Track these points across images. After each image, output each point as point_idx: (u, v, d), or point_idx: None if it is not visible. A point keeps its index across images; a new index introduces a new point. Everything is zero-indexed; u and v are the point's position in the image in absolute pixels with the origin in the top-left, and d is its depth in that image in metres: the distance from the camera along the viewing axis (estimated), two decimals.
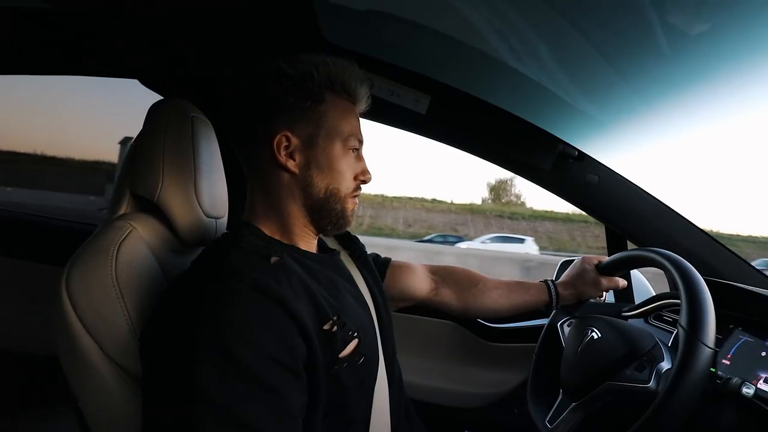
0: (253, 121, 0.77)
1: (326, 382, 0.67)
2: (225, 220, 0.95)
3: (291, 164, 0.76)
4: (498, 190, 36.17)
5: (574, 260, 1.20)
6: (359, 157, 0.83)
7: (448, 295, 1.13)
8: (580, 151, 1.30)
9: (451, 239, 19.05)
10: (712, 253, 1.26)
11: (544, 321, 1.15)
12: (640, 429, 0.74)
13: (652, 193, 1.29)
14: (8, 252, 1.53)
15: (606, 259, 1.11)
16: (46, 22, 1.28)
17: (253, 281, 0.62)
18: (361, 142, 0.82)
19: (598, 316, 1.01)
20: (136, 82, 1.40)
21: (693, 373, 0.74)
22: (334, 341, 0.68)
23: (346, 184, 0.79)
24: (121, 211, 0.81)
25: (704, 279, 0.85)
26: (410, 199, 24.46)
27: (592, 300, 1.14)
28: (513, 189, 36.51)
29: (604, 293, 1.13)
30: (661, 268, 0.94)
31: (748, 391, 0.79)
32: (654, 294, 1.16)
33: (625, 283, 1.12)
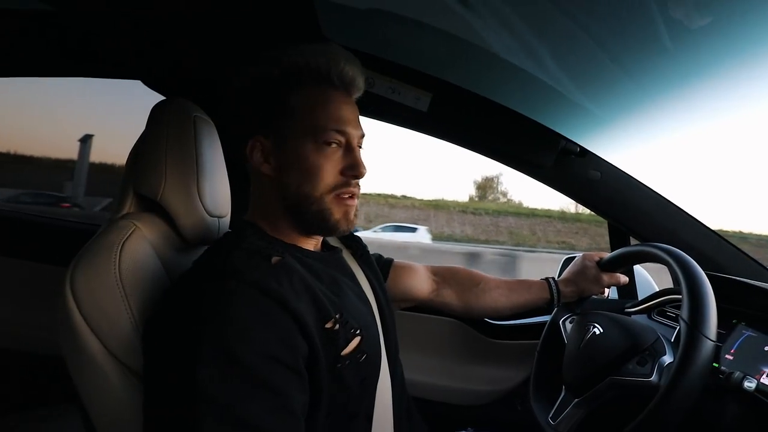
0: (234, 127, 0.78)
1: (329, 380, 0.67)
2: (228, 219, 0.95)
3: (266, 168, 0.75)
4: (484, 187, 36.16)
5: (575, 257, 1.20)
6: (348, 150, 0.76)
7: (449, 296, 1.13)
8: (582, 148, 1.30)
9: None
10: (715, 248, 1.26)
11: (547, 318, 1.15)
12: (642, 422, 0.74)
13: (654, 189, 1.29)
14: (11, 252, 1.54)
15: (607, 255, 1.11)
16: (48, 24, 1.29)
17: (254, 281, 0.63)
18: (344, 132, 0.75)
19: (600, 312, 1.01)
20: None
21: (695, 366, 0.74)
22: (336, 339, 0.68)
23: (324, 183, 0.74)
24: (125, 211, 0.82)
25: (707, 274, 0.85)
26: (378, 195, 24.54)
27: (594, 296, 1.14)
28: (499, 186, 36.59)
29: (606, 290, 1.13)
30: (662, 263, 0.94)
31: (749, 385, 0.79)
32: (657, 289, 1.16)
33: (626, 279, 1.12)
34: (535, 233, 22.98)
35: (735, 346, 0.91)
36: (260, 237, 0.74)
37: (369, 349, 0.74)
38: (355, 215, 0.79)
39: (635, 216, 1.31)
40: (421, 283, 1.11)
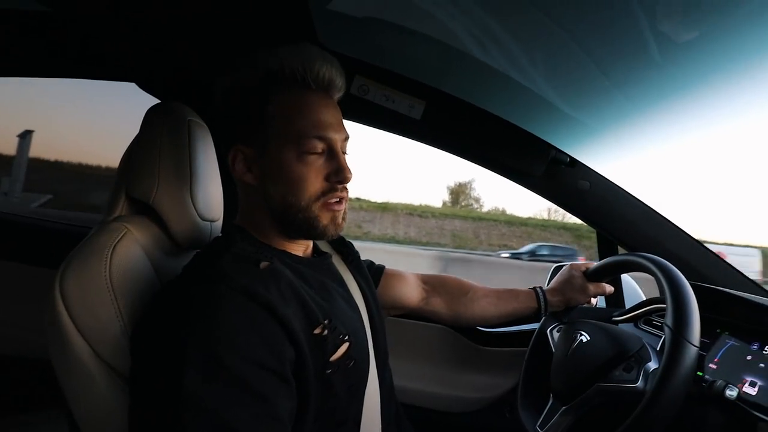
0: (221, 137, 0.78)
1: (316, 387, 0.67)
2: (220, 223, 0.95)
3: (248, 177, 0.75)
4: (457, 193, 36.41)
5: (564, 266, 1.21)
6: (331, 155, 0.74)
7: (438, 304, 1.14)
8: (571, 158, 1.32)
9: None
10: (701, 258, 1.28)
11: (536, 325, 1.16)
12: (629, 427, 0.75)
13: (641, 200, 1.31)
14: (1, 254, 1.52)
15: (593, 265, 1.12)
16: (44, 25, 1.28)
17: (242, 287, 0.63)
18: (324, 138, 0.73)
19: (587, 320, 1.02)
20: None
21: (679, 371, 0.75)
22: (324, 345, 0.68)
23: (310, 190, 0.73)
24: (117, 213, 0.82)
25: (692, 284, 0.87)
26: None
27: (585, 305, 1.15)
28: (472, 192, 36.87)
29: (593, 299, 1.15)
30: (646, 272, 0.95)
31: (731, 393, 0.81)
32: (644, 299, 1.17)
33: (612, 289, 1.13)
34: (478, 236, 23.50)
35: (719, 355, 0.93)
36: (249, 242, 0.74)
37: (357, 355, 0.74)
38: (344, 219, 0.77)
39: (623, 226, 1.33)
40: (410, 291, 1.12)
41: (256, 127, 0.73)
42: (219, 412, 0.56)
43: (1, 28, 1.31)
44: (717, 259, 1.28)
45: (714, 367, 0.91)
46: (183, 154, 0.83)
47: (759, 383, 0.83)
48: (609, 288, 1.12)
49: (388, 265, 1.12)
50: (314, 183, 0.73)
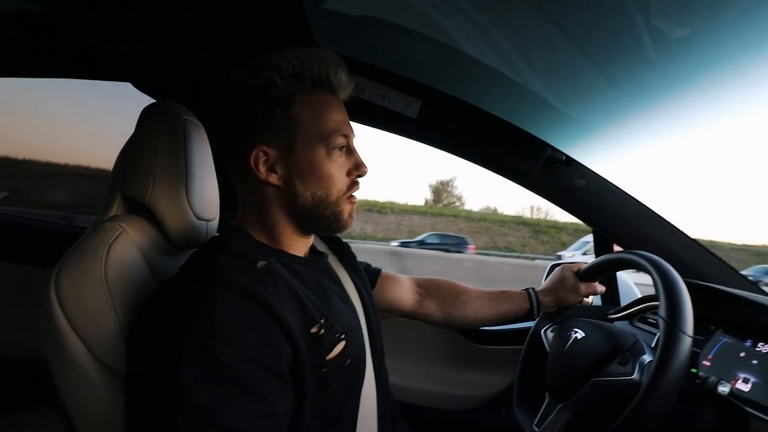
0: (229, 138, 0.76)
1: (313, 385, 0.67)
2: (216, 222, 0.96)
3: (273, 178, 0.74)
4: (439, 191, 36.66)
5: (561, 264, 1.22)
6: (350, 152, 0.78)
7: (431, 308, 1.14)
8: (567, 156, 1.32)
9: None
10: (696, 256, 1.29)
11: (532, 323, 1.17)
12: (627, 419, 0.76)
13: (637, 198, 1.31)
14: None
15: (585, 265, 1.13)
16: (39, 25, 1.28)
17: (239, 285, 0.63)
18: (347, 135, 0.77)
19: (580, 318, 1.03)
20: None
21: (675, 361, 0.76)
22: (321, 344, 0.69)
23: (337, 187, 0.76)
24: (112, 213, 0.82)
25: (686, 281, 0.88)
26: None
27: (579, 304, 1.16)
28: (454, 190, 37.28)
29: (588, 298, 1.15)
30: (637, 268, 0.96)
31: (723, 389, 0.81)
32: (639, 296, 1.18)
33: (603, 288, 1.14)
34: (434, 231, 23.80)
35: (712, 352, 0.93)
36: (246, 241, 0.74)
37: (354, 353, 0.75)
38: (354, 212, 0.82)
39: (618, 224, 1.34)
40: (405, 295, 1.13)
41: (282, 128, 0.73)
42: (215, 410, 0.56)
43: None
44: (712, 257, 1.29)
45: (708, 364, 0.92)
46: (179, 154, 0.83)
47: (752, 379, 0.84)
48: (600, 288, 1.13)
49: None
50: (340, 178, 0.76)
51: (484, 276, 11.63)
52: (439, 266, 11.82)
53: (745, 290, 1.14)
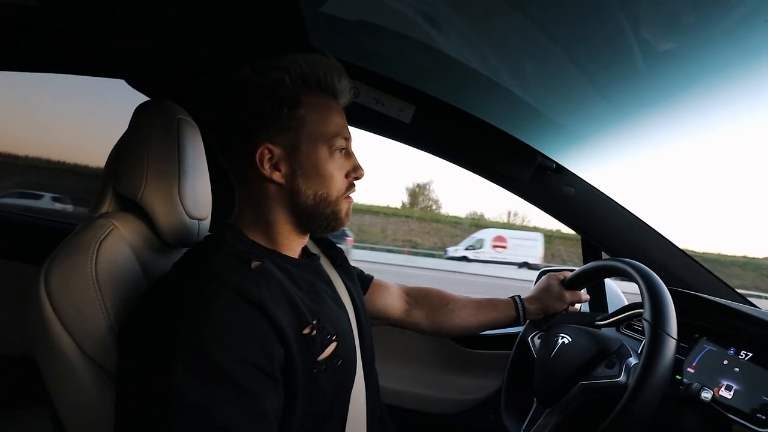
0: (233, 135, 0.76)
1: (304, 385, 0.67)
2: (208, 221, 0.95)
3: (276, 176, 0.75)
4: (416, 194, 37.05)
5: (554, 269, 1.24)
6: (348, 154, 0.81)
7: (419, 316, 1.15)
8: (557, 164, 1.34)
9: None
10: (683, 266, 1.31)
11: (521, 328, 1.18)
12: (614, 420, 0.77)
13: (625, 207, 1.33)
14: None
15: (570, 274, 1.14)
16: (33, 20, 1.27)
17: (234, 285, 0.63)
18: (347, 138, 0.80)
19: (566, 324, 1.04)
20: None
21: (660, 362, 0.77)
22: (312, 345, 0.69)
23: (337, 186, 0.78)
24: (103, 210, 0.81)
25: (672, 289, 0.89)
26: None
27: (566, 312, 1.17)
28: (430, 194, 37.63)
29: (577, 305, 1.17)
30: (621, 275, 0.98)
31: (706, 395, 0.83)
32: (627, 304, 1.19)
33: (588, 297, 1.16)
34: (384, 231, 24.29)
35: (696, 359, 0.95)
36: (240, 240, 0.74)
37: (345, 354, 0.75)
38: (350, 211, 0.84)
39: (607, 232, 1.35)
40: (394, 303, 1.13)
41: (288, 128, 0.75)
42: (207, 409, 0.57)
43: None
44: (699, 267, 1.31)
45: (692, 371, 0.93)
46: (172, 152, 0.83)
47: (735, 387, 0.85)
48: (585, 296, 1.16)
49: None
50: (339, 179, 0.79)
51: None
52: None
53: (729, 299, 1.16)
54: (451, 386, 1.46)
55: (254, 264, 0.69)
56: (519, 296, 1.16)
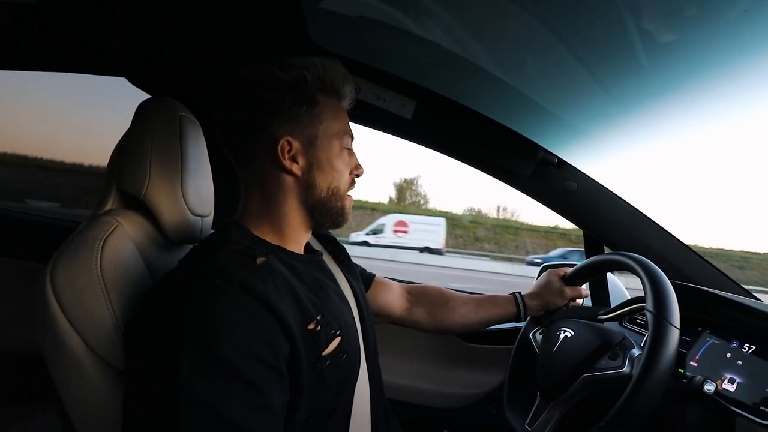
0: (250, 128, 0.77)
1: (309, 380, 0.68)
2: (211, 218, 0.96)
3: (295, 168, 0.77)
4: (403, 189, 37.24)
5: (555, 264, 1.24)
6: (352, 153, 0.86)
7: (420, 314, 1.16)
8: (559, 159, 1.34)
9: None
10: (685, 260, 1.31)
11: (523, 323, 1.18)
12: (620, 410, 0.77)
13: (627, 201, 1.33)
14: None
15: (570, 269, 1.15)
16: (34, 18, 1.27)
17: (240, 281, 0.64)
18: (352, 138, 0.86)
19: (567, 319, 1.04)
20: None
21: (664, 352, 0.77)
22: (317, 340, 0.70)
23: (345, 181, 0.83)
24: (107, 207, 0.82)
25: (675, 283, 0.89)
26: None
27: (567, 308, 1.17)
28: (418, 189, 37.81)
29: (575, 301, 1.17)
30: (622, 268, 0.98)
31: (709, 388, 0.83)
32: (629, 298, 1.19)
33: (588, 293, 1.17)
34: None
35: (699, 352, 0.95)
36: (245, 237, 0.75)
37: (349, 348, 0.76)
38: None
39: (609, 226, 1.35)
40: (395, 300, 1.14)
41: (307, 123, 0.78)
42: (214, 403, 0.57)
43: None
44: (701, 260, 1.31)
45: (695, 364, 0.93)
46: (174, 149, 0.83)
47: (737, 380, 0.86)
48: (585, 291, 1.16)
49: None
50: (345, 175, 0.83)
51: None
52: None
53: (733, 293, 1.16)
54: (453, 381, 1.47)
55: (260, 260, 0.69)
56: (519, 292, 1.17)
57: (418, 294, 1.18)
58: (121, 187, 0.82)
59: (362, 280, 1.05)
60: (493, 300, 1.17)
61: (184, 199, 0.84)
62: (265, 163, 0.77)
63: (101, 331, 0.68)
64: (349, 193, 0.84)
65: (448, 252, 21.05)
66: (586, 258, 1.38)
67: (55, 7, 1.24)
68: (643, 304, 1.09)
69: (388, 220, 21.12)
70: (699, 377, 0.85)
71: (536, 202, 1.40)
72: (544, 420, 0.93)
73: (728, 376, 0.87)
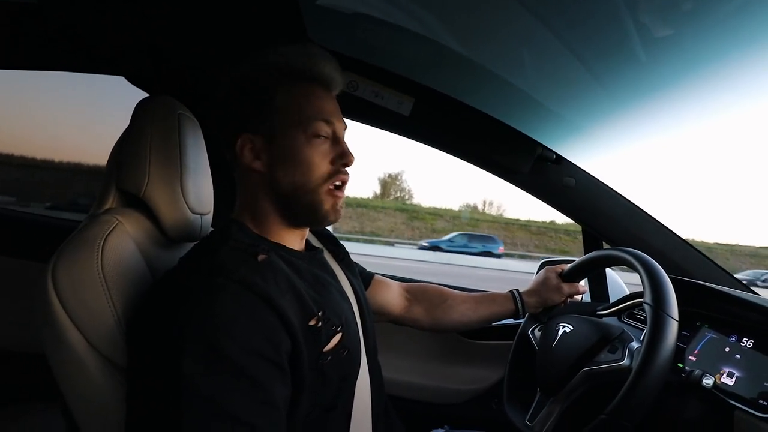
0: (222, 129, 0.79)
1: (311, 376, 0.68)
2: (210, 216, 0.96)
3: (257, 164, 0.77)
4: (387, 184, 37.49)
5: (554, 261, 1.24)
6: (336, 140, 0.79)
7: (418, 313, 1.16)
8: (557, 155, 1.34)
9: None
10: (683, 255, 1.31)
11: (522, 320, 1.18)
12: (620, 402, 0.77)
13: (626, 197, 1.34)
14: None
15: (567, 266, 1.15)
16: (32, 17, 1.27)
17: (241, 278, 0.64)
18: (329, 122, 0.78)
19: (566, 314, 1.05)
20: None
21: (663, 343, 0.78)
22: (318, 336, 0.70)
23: (318, 173, 0.76)
24: (107, 206, 0.82)
25: (673, 278, 0.90)
26: None
27: (564, 304, 1.17)
28: (402, 184, 38.30)
29: (573, 297, 1.17)
30: (619, 263, 0.99)
31: (707, 382, 0.84)
32: (628, 293, 1.20)
33: (586, 289, 1.17)
34: None
35: (698, 347, 0.95)
36: (246, 235, 0.75)
37: (350, 344, 0.76)
38: (342, 206, 0.81)
39: (607, 222, 1.36)
40: (394, 299, 1.15)
41: (265, 117, 0.76)
42: (216, 399, 0.58)
43: None
44: (700, 255, 1.31)
45: (693, 359, 0.94)
46: (173, 148, 0.83)
47: (736, 374, 0.86)
48: (583, 288, 1.16)
49: None
50: (321, 166, 0.77)
51: None
52: None
53: (731, 287, 1.16)
54: (453, 377, 1.47)
55: (261, 257, 0.69)
56: (517, 290, 1.17)
57: (416, 293, 1.18)
58: (120, 186, 0.82)
59: (362, 279, 1.06)
60: (491, 298, 1.17)
61: (183, 197, 0.84)
62: (236, 163, 0.79)
63: (103, 329, 0.68)
64: (332, 185, 0.78)
65: (397, 243, 21.93)
66: (585, 254, 1.39)
67: (54, 6, 1.24)
68: (642, 299, 1.10)
69: None
70: (698, 371, 0.85)
71: (534, 197, 1.40)
72: (544, 415, 0.94)
73: (727, 370, 0.88)
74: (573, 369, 0.90)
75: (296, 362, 0.66)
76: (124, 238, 0.75)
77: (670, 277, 0.88)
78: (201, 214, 0.91)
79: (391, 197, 35.79)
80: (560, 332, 0.98)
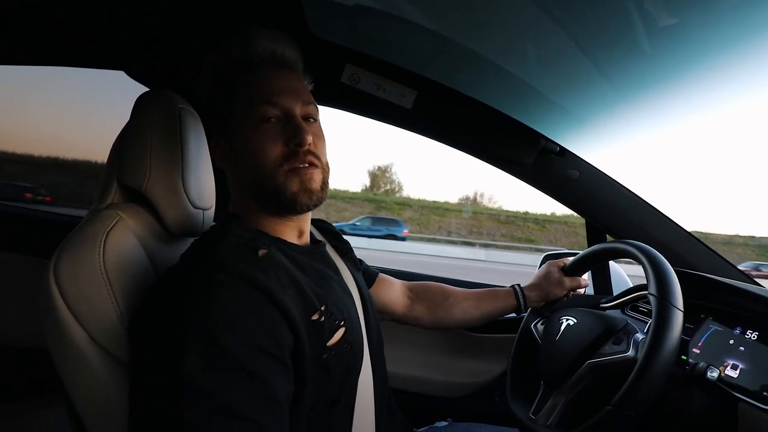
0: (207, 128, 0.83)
1: (314, 371, 0.68)
2: (212, 211, 0.96)
3: (227, 165, 0.80)
4: (377, 177, 37.70)
5: (556, 254, 1.23)
6: (288, 120, 0.75)
7: (421, 311, 1.17)
8: (561, 147, 1.33)
9: None
10: (688, 247, 1.31)
11: (525, 313, 1.18)
12: (626, 393, 0.77)
13: (629, 188, 1.33)
14: None
15: (569, 260, 1.15)
16: (32, 11, 1.26)
17: (241, 273, 0.64)
18: (275, 104, 0.74)
19: (569, 307, 1.04)
20: None
21: (669, 333, 0.77)
22: (321, 331, 0.70)
23: (269, 158, 0.73)
24: (109, 201, 0.82)
25: (678, 270, 0.89)
26: None
27: (567, 298, 1.17)
28: (392, 176, 38.70)
29: (575, 291, 1.17)
30: (622, 255, 0.98)
31: (712, 374, 0.83)
32: (631, 285, 1.19)
33: (588, 282, 1.17)
34: None
35: (702, 339, 0.95)
36: (246, 229, 0.75)
37: (353, 339, 0.76)
38: (322, 188, 0.77)
39: (611, 214, 1.35)
40: (397, 298, 1.15)
41: (226, 117, 0.78)
42: (219, 394, 0.57)
43: None
44: (704, 248, 1.30)
45: (697, 351, 0.94)
46: (174, 142, 0.83)
47: (740, 366, 0.86)
48: (585, 281, 1.16)
49: None
50: (272, 149, 0.73)
51: None
52: None
53: (738, 280, 1.16)
54: (456, 370, 1.47)
55: (261, 252, 0.69)
56: (519, 285, 1.17)
57: (419, 291, 1.18)
58: (121, 181, 0.82)
59: (366, 277, 1.06)
60: (493, 294, 1.17)
61: (185, 192, 0.84)
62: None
63: (105, 325, 0.68)
64: (289, 167, 0.73)
65: None
66: (588, 246, 1.39)
67: (52, 1, 1.23)
68: (646, 292, 1.09)
69: None
70: (702, 364, 0.85)
71: (535, 190, 1.40)
72: (549, 407, 0.94)
73: (731, 362, 0.87)
74: (577, 361, 0.90)
75: (299, 357, 0.66)
76: (126, 234, 0.75)
77: (674, 269, 0.87)
78: (203, 209, 0.91)
79: (381, 189, 35.98)
80: (564, 325, 0.97)
